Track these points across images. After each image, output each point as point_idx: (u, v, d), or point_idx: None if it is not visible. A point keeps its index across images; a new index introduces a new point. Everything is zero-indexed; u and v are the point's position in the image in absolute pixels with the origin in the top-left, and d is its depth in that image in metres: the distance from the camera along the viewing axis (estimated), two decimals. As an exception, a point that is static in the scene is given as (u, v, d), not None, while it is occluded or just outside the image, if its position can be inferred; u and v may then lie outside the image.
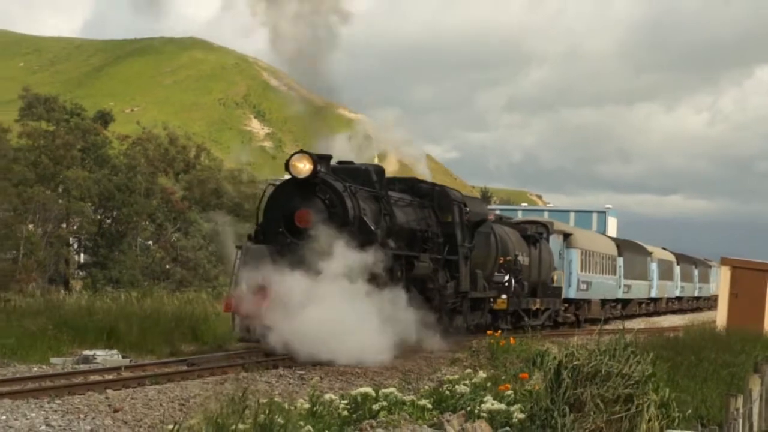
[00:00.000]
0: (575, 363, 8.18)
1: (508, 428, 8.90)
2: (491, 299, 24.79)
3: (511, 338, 18.36)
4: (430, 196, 21.37)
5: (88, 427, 10.52)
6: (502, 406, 9.54)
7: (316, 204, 16.62)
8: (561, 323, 31.15)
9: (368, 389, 10.83)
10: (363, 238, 16.80)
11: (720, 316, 25.60)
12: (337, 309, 15.49)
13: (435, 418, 9.43)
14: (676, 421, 8.28)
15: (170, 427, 8.02)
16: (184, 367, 15.55)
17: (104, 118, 64.11)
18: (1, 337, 16.74)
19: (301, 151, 17.06)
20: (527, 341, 17.52)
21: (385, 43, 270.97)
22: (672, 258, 50.73)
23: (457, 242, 21.31)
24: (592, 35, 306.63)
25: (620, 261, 39.82)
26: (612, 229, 49.15)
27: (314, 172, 16.41)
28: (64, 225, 46.39)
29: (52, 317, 19.11)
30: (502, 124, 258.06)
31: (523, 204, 70.30)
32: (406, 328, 17.49)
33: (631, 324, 26.06)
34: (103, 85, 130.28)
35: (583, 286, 34.28)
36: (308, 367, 16.86)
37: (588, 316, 34.75)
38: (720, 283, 27.00)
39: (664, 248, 51.62)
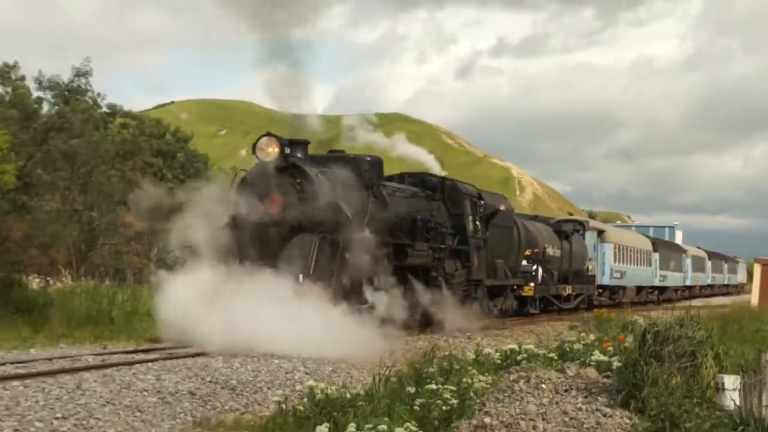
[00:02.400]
0: (656, 329, 8.55)
1: (608, 372, 9.29)
2: (514, 286, 22.04)
3: (611, 312, 19.52)
4: (441, 190, 18.34)
5: (330, 368, 11.31)
6: (605, 358, 10.00)
7: (286, 188, 13.40)
8: (596, 306, 28.18)
9: (514, 346, 11.45)
10: (337, 223, 13.61)
11: (753, 298, 29.48)
12: (274, 300, 11.94)
13: (559, 366, 9.83)
14: (725, 369, 8.59)
15: (384, 370, 8.73)
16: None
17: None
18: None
19: (268, 134, 13.82)
20: (622, 314, 18.53)
21: (523, 112, 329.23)
22: (704, 255, 52.37)
23: (467, 233, 18.32)
24: (663, 107, 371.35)
25: (655, 255, 38.84)
26: (678, 240, 52.13)
27: (282, 155, 13.34)
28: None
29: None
30: (602, 167, 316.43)
31: (618, 222, 71.45)
32: (389, 312, 14.48)
33: (695, 303, 29.12)
34: (334, 147, 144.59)
35: (617, 275, 32.36)
36: (474, 330, 16.98)
37: (623, 299, 32.59)
38: (754, 275, 31.24)
39: (698, 247, 53.10)
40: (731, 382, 7.85)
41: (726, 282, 58.98)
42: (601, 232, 31.94)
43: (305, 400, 8.04)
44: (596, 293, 29.73)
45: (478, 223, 19.12)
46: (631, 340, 10.77)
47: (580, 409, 7.96)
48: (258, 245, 12.89)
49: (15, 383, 8.58)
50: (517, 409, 7.97)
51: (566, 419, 7.79)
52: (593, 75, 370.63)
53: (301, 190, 13.40)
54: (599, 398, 8.19)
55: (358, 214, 14.11)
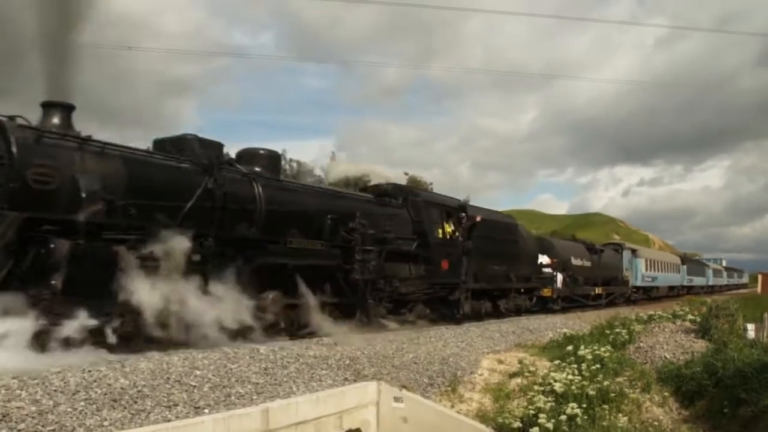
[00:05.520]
0: (716, 304, 11.78)
1: (695, 323, 11.86)
2: (522, 289, 19.43)
3: (692, 297, 23.17)
4: (404, 200, 15.51)
5: (572, 322, 15.08)
6: (693, 317, 12.76)
7: None
8: (633, 300, 30.82)
9: (653, 312, 14.85)
10: (68, 202, 8.39)
11: (759, 289, 41.70)
12: None
13: (673, 321, 12.74)
14: (747, 320, 10.93)
15: (596, 324, 12.90)
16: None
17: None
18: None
19: None
20: (699, 298, 22.03)
21: (652, 211, 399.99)
22: (722, 268, 66.95)
23: (429, 239, 15.20)
24: (713, 206, 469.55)
25: (684, 267, 43.87)
26: (723, 264, 72.85)
27: None
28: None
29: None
30: (687, 233, 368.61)
31: (696, 257, 78.40)
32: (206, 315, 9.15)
33: (727, 294, 39.99)
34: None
35: (648, 279, 34.55)
36: (640, 302, 21.23)
37: (656, 295, 35.32)
38: (759, 280, 43.85)
39: (720, 264, 68.82)
40: (750, 327, 10.59)
41: (736, 283, 77.73)
42: (634, 251, 33.91)
43: (561, 336, 12.45)
44: (631, 292, 31.37)
45: (450, 230, 16.14)
46: (705, 309, 13.48)
47: (683, 339, 10.90)
48: None
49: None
50: (654, 340, 10.95)
51: (677, 344, 10.66)
52: (682, 195, 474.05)
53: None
54: (691, 335, 11.17)
55: (169, 200, 9.56)
